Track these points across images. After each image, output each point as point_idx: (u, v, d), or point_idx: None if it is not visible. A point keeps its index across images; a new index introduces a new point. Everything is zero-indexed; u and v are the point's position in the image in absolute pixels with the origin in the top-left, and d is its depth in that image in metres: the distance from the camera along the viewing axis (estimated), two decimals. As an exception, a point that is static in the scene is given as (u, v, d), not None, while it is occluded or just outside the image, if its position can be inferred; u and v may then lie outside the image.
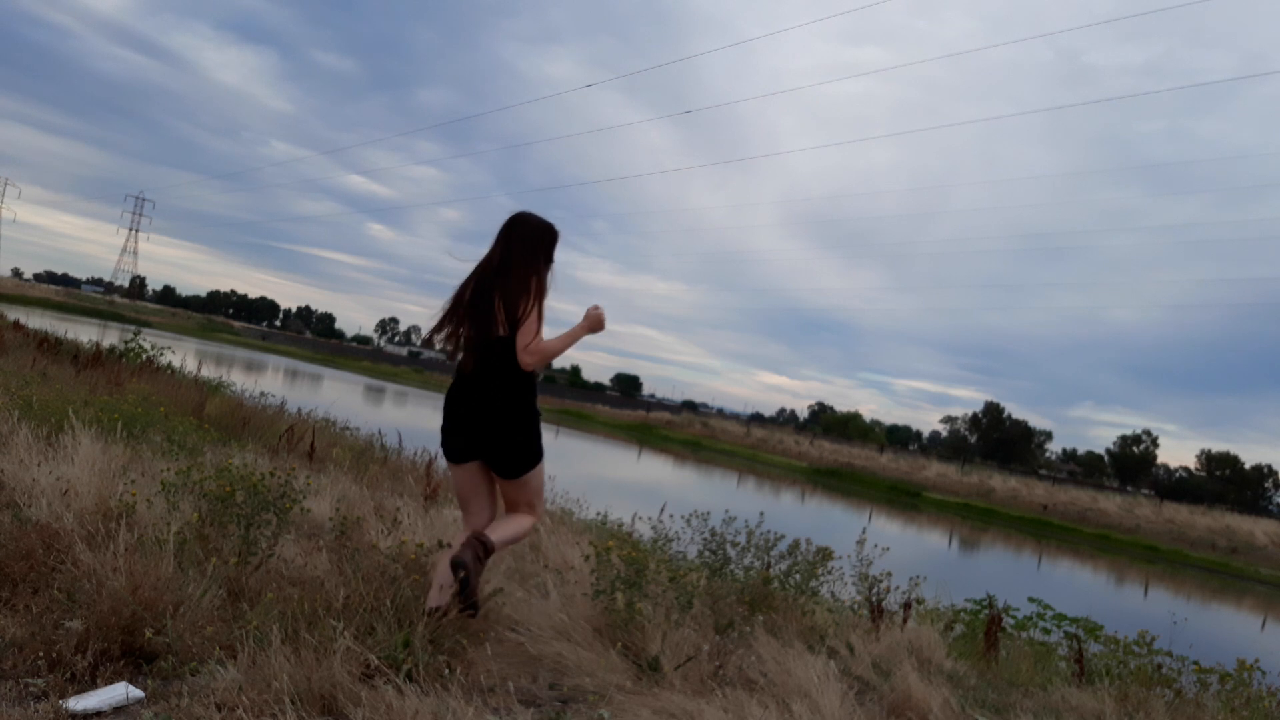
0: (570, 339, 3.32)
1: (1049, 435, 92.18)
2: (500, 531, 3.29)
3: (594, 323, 3.35)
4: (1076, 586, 19.14)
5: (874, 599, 5.18)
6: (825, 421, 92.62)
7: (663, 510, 6.55)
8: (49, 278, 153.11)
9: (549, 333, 3.30)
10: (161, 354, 14.26)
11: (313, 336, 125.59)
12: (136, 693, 2.47)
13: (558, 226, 3.43)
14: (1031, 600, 7.72)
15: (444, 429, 3.36)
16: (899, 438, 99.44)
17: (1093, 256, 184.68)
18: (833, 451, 47.76)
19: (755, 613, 4.16)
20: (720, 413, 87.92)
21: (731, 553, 4.98)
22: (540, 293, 3.27)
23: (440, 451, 3.42)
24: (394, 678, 2.63)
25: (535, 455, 3.34)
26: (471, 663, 3.07)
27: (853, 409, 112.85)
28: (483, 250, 3.41)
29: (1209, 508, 43.12)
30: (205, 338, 69.17)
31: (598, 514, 8.18)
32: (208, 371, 16.74)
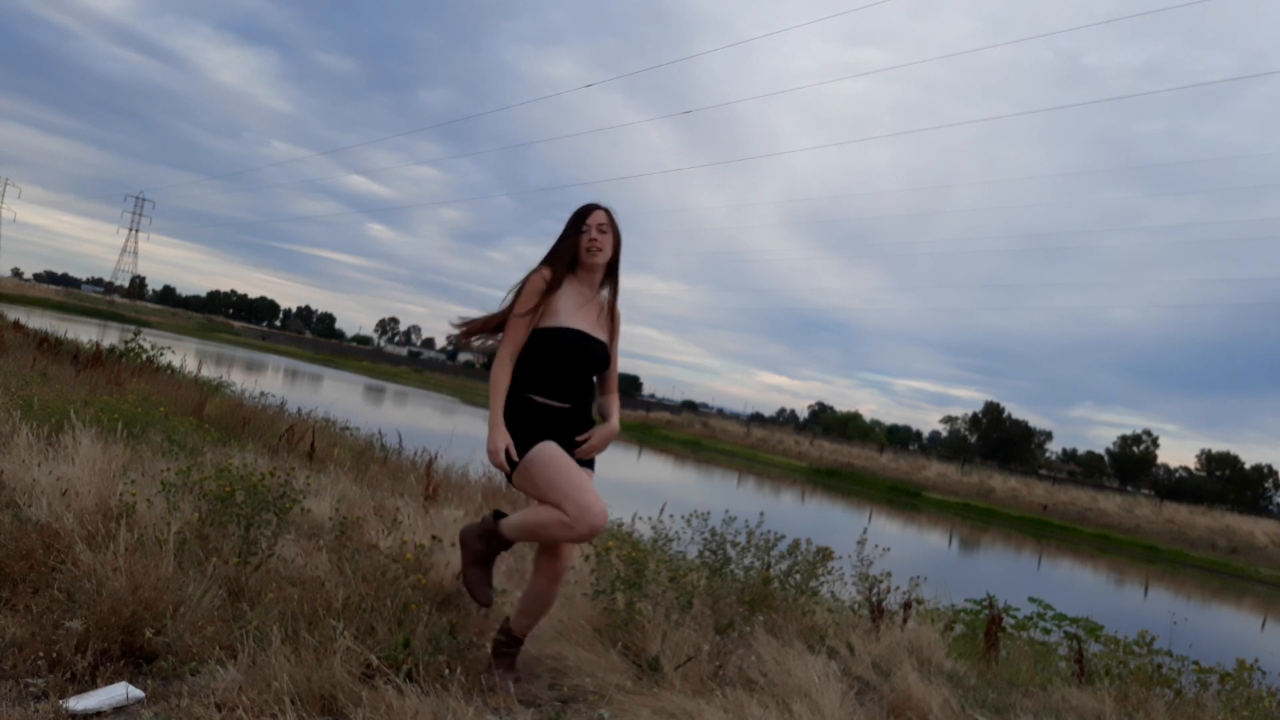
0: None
1: (1049, 435, 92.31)
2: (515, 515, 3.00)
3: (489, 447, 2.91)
4: (1076, 586, 19.13)
5: (874, 599, 5.18)
6: (825, 421, 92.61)
7: (663, 510, 6.54)
8: (49, 278, 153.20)
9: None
10: (161, 354, 14.26)
11: (313, 336, 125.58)
12: (136, 693, 2.47)
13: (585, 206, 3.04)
14: (1032, 600, 7.72)
15: None
16: (899, 438, 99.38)
17: (1093, 256, 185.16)
18: (833, 451, 47.75)
19: (755, 613, 4.16)
20: (720, 413, 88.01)
21: (731, 553, 4.97)
22: (520, 292, 2.97)
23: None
24: (394, 678, 2.63)
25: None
26: (472, 663, 3.07)
27: (853, 409, 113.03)
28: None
29: (1209, 508, 43.15)
30: (205, 338, 69.11)
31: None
32: (208, 371, 16.73)
